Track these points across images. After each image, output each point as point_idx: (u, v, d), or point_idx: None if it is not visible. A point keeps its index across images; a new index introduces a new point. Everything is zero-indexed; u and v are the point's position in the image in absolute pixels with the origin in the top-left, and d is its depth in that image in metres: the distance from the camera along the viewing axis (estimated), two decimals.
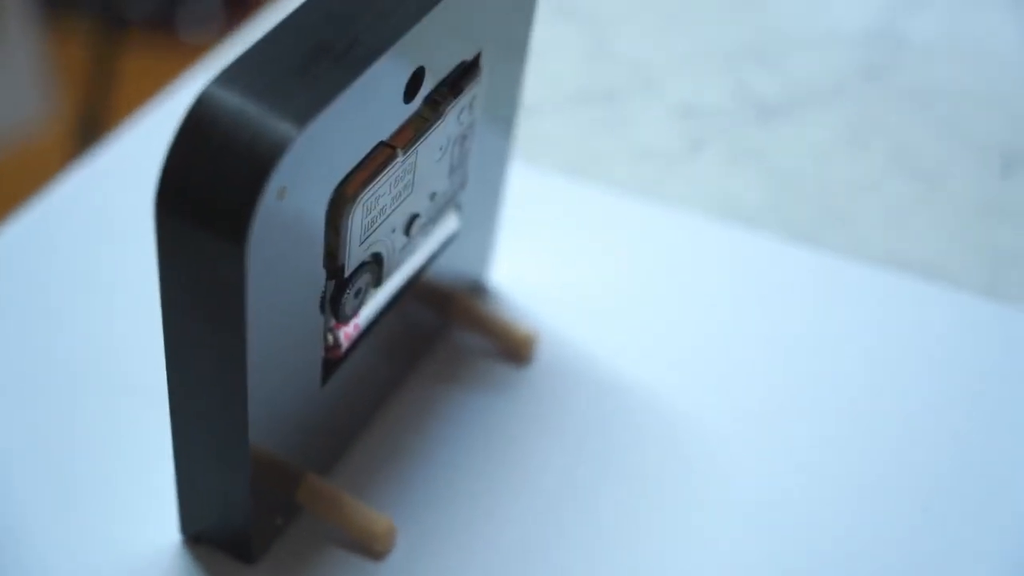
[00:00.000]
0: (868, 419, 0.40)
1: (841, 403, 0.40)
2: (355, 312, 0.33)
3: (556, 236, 0.46)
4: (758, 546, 0.36)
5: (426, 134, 0.32)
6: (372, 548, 0.35)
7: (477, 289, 0.43)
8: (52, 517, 0.36)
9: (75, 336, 0.41)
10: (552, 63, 0.54)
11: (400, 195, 0.33)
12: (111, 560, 0.35)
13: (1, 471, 0.37)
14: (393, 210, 0.33)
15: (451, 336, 0.42)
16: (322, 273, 0.31)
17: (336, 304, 0.32)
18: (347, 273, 0.32)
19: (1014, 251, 0.46)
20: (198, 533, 0.35)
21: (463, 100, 0.33)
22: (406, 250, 0.35)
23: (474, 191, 0.38)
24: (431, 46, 0.31)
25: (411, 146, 0.32)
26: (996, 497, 0.38)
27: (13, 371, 0.40)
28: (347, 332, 0.34)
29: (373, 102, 0.29)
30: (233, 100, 0.27)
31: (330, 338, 0.34)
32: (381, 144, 0.31)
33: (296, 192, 0.27)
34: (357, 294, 0.33)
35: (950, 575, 0.36)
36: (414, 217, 0.34)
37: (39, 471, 0.37)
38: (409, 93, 0.31)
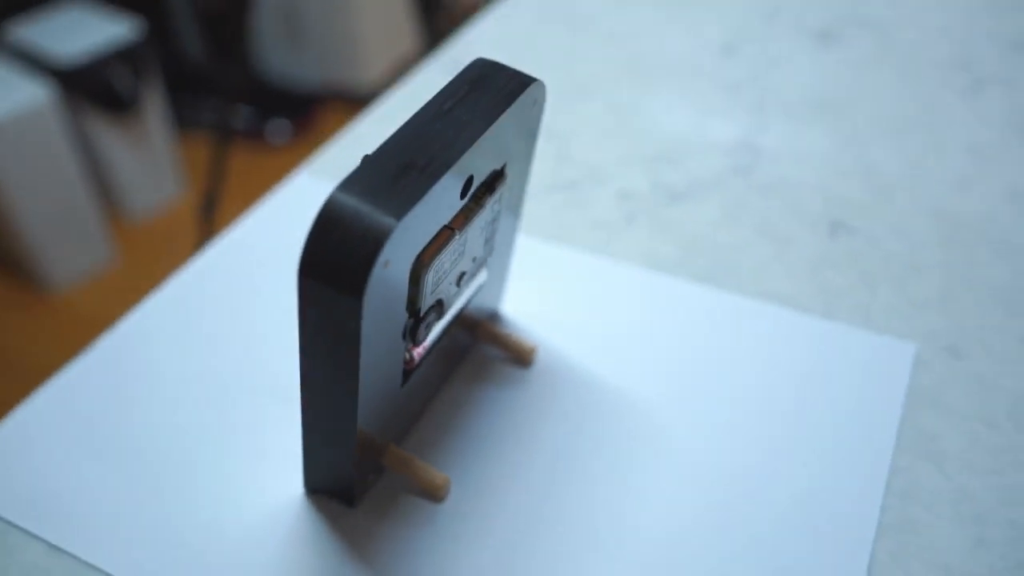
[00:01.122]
0: (755, 402, 0.40)
1: (736, 391, 0.40)
2: (425, 338, 0.33)
3: (544, 281, 0.45)
4: (686, 481, 0.36)
5: (473, 219, 0.32)
6: (435, 495, 0.34)
7: (495, 317, 0.42)
8: (221, 478, 0.35)
9: (237, 354, 0.40)
10: (534, 165, 0.53)
11: (456, 261, 0.32)
12: (261, 505, 0.34)
13: (191, 445, 0.36)
14: (451, 270, 0.32)
15: (479, 349, 0.41)
16: (405, 314, 0.30)
17: (414, 333, 0.32)
18: (421, 313, 0.31)
19: (841, 288, 0.46)
20: (315, 487, 0.34)
21: (495, 195, 0.33)
22: (456, 295, 0.35)
23: (496, 253, 0.38)
24: (477, 162, 0.30)
25: (464, 228, 0.31)
26: (841, 447, 0.38)
27: (195, 379, 0.39)
28: (418, 351, 0.34)
29: (441, 200, 0.29)
30: (351, 201, 0.26)
31: (408, 355, 0.33)
32: (445, 227, 0.30)
33: (393, 262, 0.27)
34: (427, 327, 0.32)
35: (819, 502, 0.35)
36: (463, 274, 0.34)
37: (215, 445, 0.36)
38: (463, 193, 0.30)
